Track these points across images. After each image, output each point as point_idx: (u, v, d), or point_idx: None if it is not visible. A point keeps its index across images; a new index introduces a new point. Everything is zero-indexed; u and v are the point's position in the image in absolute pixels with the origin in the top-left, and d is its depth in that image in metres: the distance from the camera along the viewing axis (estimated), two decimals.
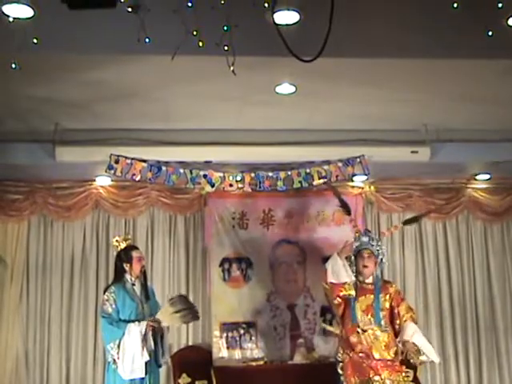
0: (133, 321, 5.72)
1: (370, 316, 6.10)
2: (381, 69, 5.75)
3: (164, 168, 7.27)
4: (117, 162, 7.13)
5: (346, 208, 6.81)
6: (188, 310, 5.81)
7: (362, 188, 8.09)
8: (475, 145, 7.32)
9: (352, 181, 7.88)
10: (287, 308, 7.84)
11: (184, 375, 7.51)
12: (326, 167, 7.40)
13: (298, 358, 7.57)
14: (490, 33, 4.49)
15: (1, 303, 7.75)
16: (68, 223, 8.06)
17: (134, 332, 5.65)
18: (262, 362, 7.52)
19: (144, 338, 5.64)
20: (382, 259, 6.35)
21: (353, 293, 6.11)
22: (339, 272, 6.30)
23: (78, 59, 5.37)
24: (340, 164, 7.37)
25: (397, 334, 6.10)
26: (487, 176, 8.09)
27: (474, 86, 6.12)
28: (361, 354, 6.00)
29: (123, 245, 6.04)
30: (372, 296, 6.16)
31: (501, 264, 8.39)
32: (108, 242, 7.96)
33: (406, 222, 7.10)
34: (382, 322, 6.07)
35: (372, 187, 8.18)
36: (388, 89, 6.22)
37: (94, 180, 7.95)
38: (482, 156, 7.44)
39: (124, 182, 7.85)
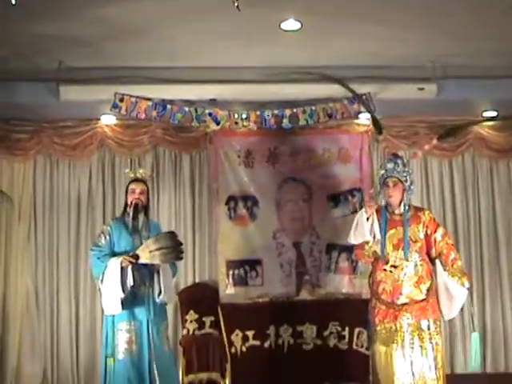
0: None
1: (401, 250, 5.83)
2: (387, 5, 5.66)
3: (169, 106, 7.31)
4: (121, 100, 7.17)
5: (377, 126, 6.62)
6: (171, 248, 5.75)
7: (368, 125, 7.91)
8: (483, 81, 7.24)
9: (358, 118, 7.81)
10: (293, 246, 7.84)
11: (191, 312, 7.60)
12: (331, 105, 7.42)
13: (303, 295, 7.61)
14: None
15: (9, 242, 7.81)
16: (74, 162, 8.06)
17: (113, 266, 5.65)
18: (267, 299, 7.56)
19: (122, 274, 5.61)
20: (410, 185, 5.94)
21: (377, 248, 5.88)
22: (362, 230, 5.93)
23: None
24: (346, 101, 7.38)
25: (432, 260, 5.91)
26: (494, 113, 8.02)
27: (479, 22, 6.03)
28: (383, 297, 5.84)
29: (132, 177, 6.09)
30: (402, 228, 5.86)
31: (506, 201, 8.37)
32: (114, 181, 8.04)
33: (442, 136, 6.84)
34: (415, 255, 5.83)
35: None
36: (394, 25, 6.13)
37: (99, 119, 7.89)
38: (490, 93, 7.36)
39: (129, 121, 7.80)
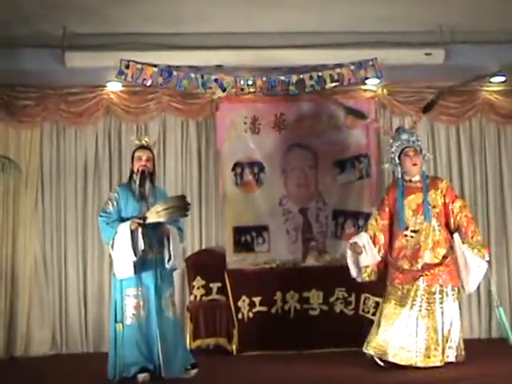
0: None
1: (420, 215, 6.07)
2: None
3: (175, 73, 7.31)
4: (127, 67, 7.16)
5: (357, 114, 6.72)
6: (176, 207, 5.77)
7: (375, 91, 7.96)
8: (491, 46, 7.20)
9: (365, 84, 7.76)
10: (299, 212, 7.87)
11: (198, 278, 7.63)
12: (338, 70, 7.38)
13: (310, 261, 7.63)
14: None
15: (17, 209, 7.82)
16: (80, 129, 8.03)
17: (123, 230, 5.70)
18: (274, 265, 7.59)
19: (132, 237, 5.65)
20: (425, 155, 6.30)
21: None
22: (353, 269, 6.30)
23: None
24: (352, 67, 7.35)
25: (452, 232, 6.07)
26: (503, 78, 7.96)
27: None
28: (402, 263, 6.00)
29: (137, 145, 6.12)
30: (421, 194, 6.12)
31: None
32: (120, 148, 8.01)
33: (426, 109, 6.97)
34: (434, 221, 6.05)
35: (385, 90, 8.02)
36: None
37: (105, 85, 7.86)
38: (498, 58, 7.30)
39: (135, 88, 7.78)
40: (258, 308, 7.31)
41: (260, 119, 7.90)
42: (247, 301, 7.29)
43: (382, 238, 6.28)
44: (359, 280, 6.32)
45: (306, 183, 7.91)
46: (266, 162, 7.89)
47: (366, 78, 7.45)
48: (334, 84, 7.47)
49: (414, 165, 6.18)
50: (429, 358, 5.90)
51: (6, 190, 7.81)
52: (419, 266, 5.99)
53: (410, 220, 6.09)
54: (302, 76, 7.41)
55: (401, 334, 5.92)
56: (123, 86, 7.84)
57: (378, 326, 6.01)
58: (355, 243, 6.22)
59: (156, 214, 5.73)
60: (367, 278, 6.25)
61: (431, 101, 7.00)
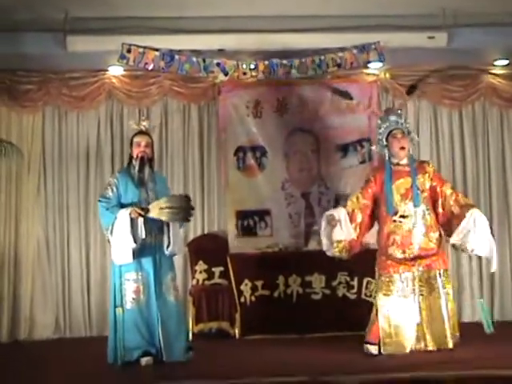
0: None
1: (409, 199, 5.93)
2: None
3: (177, 57, 7.29)
4: (129, 51, 7.14)
5: (343, 94, 6.65)
6: (180, 209, 5.76)
7: (377, 75, 7.92)
8: (494, 29, 7.16)
9: (367, 68, 7.73)
10: (301, 196, 7.85)
11: (201, 262, 7.61)
12: (340, 54, 7.36)
13: (312, 245, 7.60)
14: None
15: (19, 194, 7.83)
16: (82, 113, 8.03)
17: (123, 217, 5.69)
18: (276, 249, 7.60)
19: (132, 224, 5.65)
20: (413, 138, 6.18)
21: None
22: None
23: None
24: (355, 51, 7.33)
25: (439, 216, 5.98)
26: (506, 62, 7.92)
27: None
28: (393, 250, 5.92)
29: (136, 130, 6.11)
30: (409, 178, 5.98)
31: None
32: (122, 132, 7.98)
33: (409, 92, 6.91)
34: (423, 205, 5.93)
35: (387, 74, 7.98)
36: None
37: (107, 70, 7.84)
38: (502, 41, 7.28)
39: (137, 72, 7.77)
40: (260, 292, 7.34)
41: (262, 103, 7.88)
42: (249, 285, 7.31)
43: (359, 217, 6.09)
44: (329, 254, 6.13)
45: (308, 167, 7.90)
46: (269, 146, 7.86)
47: (369, 62, 7.42)
48: (336, 68, 7.45)
49: (402, 148, 6.02)
50: (437, 342, 5.87)
51: (9, 174, 7.82)
52: (414, 252, 5.89)
53: (398, 205, 5.95)
54: (303, 60, 7.40)
55: (411, 326, 5.88)
56: (125, 71, 7.82)
57: (388, 323, 5.89)
58: (331, 215, 6.05)
59: (159, 211, 5.72)
60: (337, 254, 6.06)
61: (414, 84, 6.92)
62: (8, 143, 7.27)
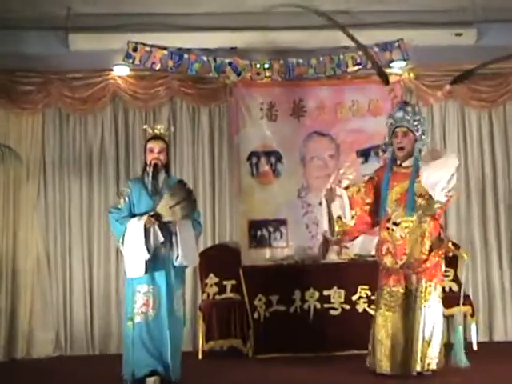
0: None
1: (402, 206, 5.61)
2: None
3: (186, 56, 7.39)
4: (135, 49, 7.22)
5: (382, 75, 6.28)
6: (186, 200, 5.61)
7: (401, 75, 7.71)
8: None
9: (390, 67, 7.51)
10: (319, 204, 7.55)
11: (211, 275, 7.49)
12: (361, 53, 7.21)
13: (331, 257, 7.49)
14: None
15: (18, 202, 7.69)
16: (85, 116, 7.90)
17: (135, 227, 5.58)
18: (292, 262, 7.47)
19: (146, 234, 5.53)
20: (421, 135, 5.70)
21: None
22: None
23: None
24: (377, 49, 7.34)
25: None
26: None
27: None
28: (386, 260, 5.66)
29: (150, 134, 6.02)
30: (408, 182, 5.63)
31: None
32: (127, 136, 7.91)
33: (456, 81, 6.51)
34: (418, 211, 5.58)
35: (411, 74, 7.76)
36: None
37: (112, 70, 7.71)
38: None
39: (143, 72, 7.67)
40: (275, 307, 7.17)
41: (277, 105, 7.78)
42: (264, 299, 7.16)
43: (358, 210, 5.79)
44: (332, 237, 5.86)
45: (326, 174, 7.64)
46: (284, 151, 7.75)
47: (392, 61, 7.35)
48: (356, 68, 7.40)
49: (400, 148, 5.68)
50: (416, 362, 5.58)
51: (7, 181, 7.69)
52: (403, 262, 5.59)
53: (393, 210, 5.66)
54: (321, 59, 7.35)
55: (401, 343, 5.63)
56: (131, 70, 7.69)
57: (386, 342, 5.64)
58: (333, 189, 5.75)
59: (170, 211, 5.57)
60: (339, 228, 5.75)
61: (464, 73, 6.53)
62: (6, 147, 7.17)
